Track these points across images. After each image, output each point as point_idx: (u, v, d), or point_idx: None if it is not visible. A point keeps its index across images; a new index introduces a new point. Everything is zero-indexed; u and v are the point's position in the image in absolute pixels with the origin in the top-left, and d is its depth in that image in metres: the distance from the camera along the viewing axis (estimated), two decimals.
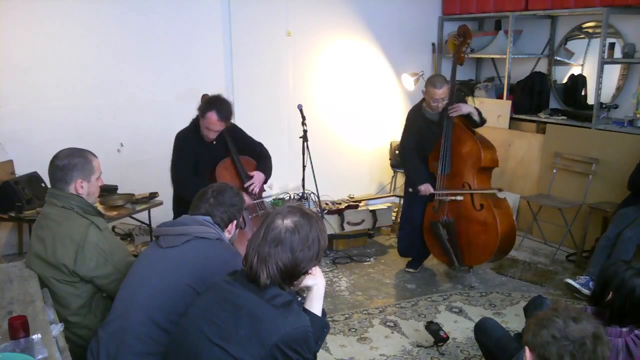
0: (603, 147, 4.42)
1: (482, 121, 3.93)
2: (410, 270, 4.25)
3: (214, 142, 3.49)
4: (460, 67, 4.28)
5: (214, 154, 3.50)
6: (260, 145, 3.73)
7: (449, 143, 3.88)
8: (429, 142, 4.01)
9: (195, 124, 3.47)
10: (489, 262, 4.13)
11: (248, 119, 4.81)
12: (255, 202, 3.55)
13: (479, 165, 3.84)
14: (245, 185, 3.50)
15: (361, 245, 4.79)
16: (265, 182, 3.64)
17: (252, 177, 3.55)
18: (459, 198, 3.88)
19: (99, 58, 4.47)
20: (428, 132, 3.99)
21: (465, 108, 3.87)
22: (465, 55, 4.14)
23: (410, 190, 4.09)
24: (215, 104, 3.33)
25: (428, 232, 4.08)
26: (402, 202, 5.46)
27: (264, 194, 3.74)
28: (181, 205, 3.39)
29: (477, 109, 3.95)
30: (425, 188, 3.95)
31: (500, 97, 5.40)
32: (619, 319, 2.07)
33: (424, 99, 3.97)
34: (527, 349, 1.49)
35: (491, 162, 3.91)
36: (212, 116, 3.31)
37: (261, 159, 3.67)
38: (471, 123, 3.93)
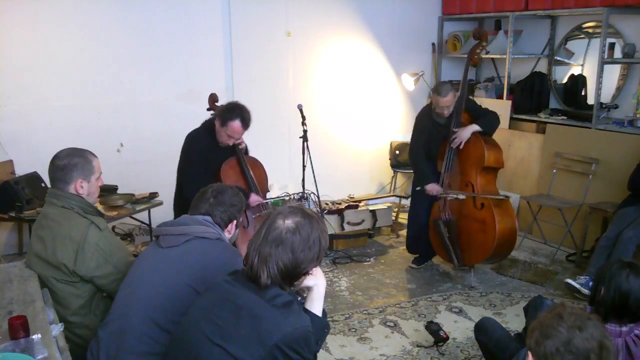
0: (603, 147, 4.42)
1: (493, 128, 3.91)
2: (414, 266, 4.28)
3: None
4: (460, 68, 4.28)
5: (224, 155, 3.49)
6: None
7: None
8: (436, 143, 4.04)
9: (208, 126, 3.44)
10: (488, 262, 4.12)
11: None
12: (262, 200, 3.53)
13: (482, 165, 3.84)
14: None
15: (361, 245, 4.79)
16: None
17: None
18: (461, 197, 3.88)
19: (99, 58, 4.47)
20: (435, 133, 4.01)
21: (466, 133, 3.83)
22: (479, 57, 4.12)
23: (418, 188, 4.09)
24: (240, 113, 3.32)
25: (432, 229, 4.12)
26: (402, 201, 5.50)
27: (268, 195, 3.74)
28: (182, 205, 3.38)
29: (486, 113, 3.92)
30: (432, 188, 3.97)
31: (500, 97, 5.40)
32: (613, 314, 2.07)
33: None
34: (530, 355, 1.48)
35: (495, 163, 3.90)
36: (236, 125, 3.31)
37: None
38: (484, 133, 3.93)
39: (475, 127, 3.85)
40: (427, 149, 4.09)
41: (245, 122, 3.34)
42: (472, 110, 3.98)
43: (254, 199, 3.45)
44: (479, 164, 3.86)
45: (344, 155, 5.54)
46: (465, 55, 5.54)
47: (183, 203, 3.25)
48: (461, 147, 3.86)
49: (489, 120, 3.90)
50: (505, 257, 4.15)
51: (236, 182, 3.43)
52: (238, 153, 3.50)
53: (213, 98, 3.63)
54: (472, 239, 3.92)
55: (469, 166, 3.90)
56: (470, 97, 3.94)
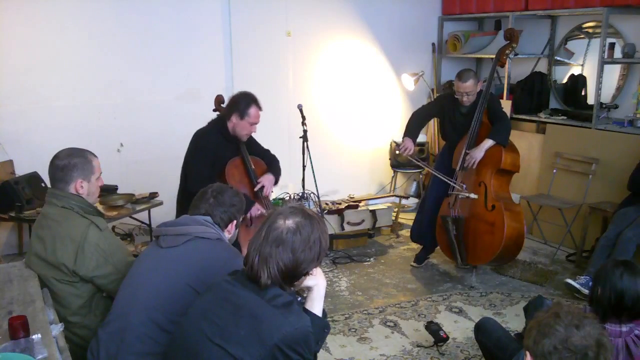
0: (603, 147, 4.42)
1: (506, 139, 3.85)
2: (415, 265, 4.29)
3: (230, 143, 3.47)
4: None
5: (231, 153, 3.49)
6: (268, 150, 3.73)
7: (474, 140, 3.88)
8: (451, 132, 4.06)
9: (217, 125, 3.44)
10: (492, 264, 4.12)
11: None
12: (264, 210, 3.48)
13: (498, 166, 3.83)
14: (256, 189, 3.47)
15: (361, 245, 4.79)
16: (275, 183, 3.61)
17: (260, 181, 3.48)
18: (473, 196, 3.88)
19: (99, 58, 4.47)
20: (454, 119, 4.02)
21: (479, 154, 3.80)
22: (508, 58, 4.13)
23: (396, 148, 4.07)
24: (251, 98, 3.39)
25: (439, 226, 4.12)
26: (402, 201, 5.50)
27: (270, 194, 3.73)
28: (186, 202, 3.37)
29: (500, 119, 3.86)
30: (405, 142, 4.01)
31: (500, 97, 5.38)
32: (611, 313, 2.07)
33: None
34: (528, 355, 1.48)
35: (511, 166, 3.89)
36: (254, 110, 3.36)
37: (271, 161, 3.66)
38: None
39: (488, 144, 3.80)
40: (442, 133, 4.17)
41: (259, 104, 3.42)
42: (492, 110, 3.91)
43: (255, 208, 3.41)
44: (495, 165, 3.84)
45: (344, 156, 5.53)
46: (466, 56, 5.61)
47: (187, 200, 3.23)
48: (474, 167, 3.84)
49: (501, 131, 3.83)
50: (510, 261, 4.15)
51: (240, 182, 3.44)
52: (242, 152, 3.51)
53: (219, 99, 3.65)
54: (478, 239, 3.92)
55: (484, 166, 3.88)
56: (493, 94, 3.92)
